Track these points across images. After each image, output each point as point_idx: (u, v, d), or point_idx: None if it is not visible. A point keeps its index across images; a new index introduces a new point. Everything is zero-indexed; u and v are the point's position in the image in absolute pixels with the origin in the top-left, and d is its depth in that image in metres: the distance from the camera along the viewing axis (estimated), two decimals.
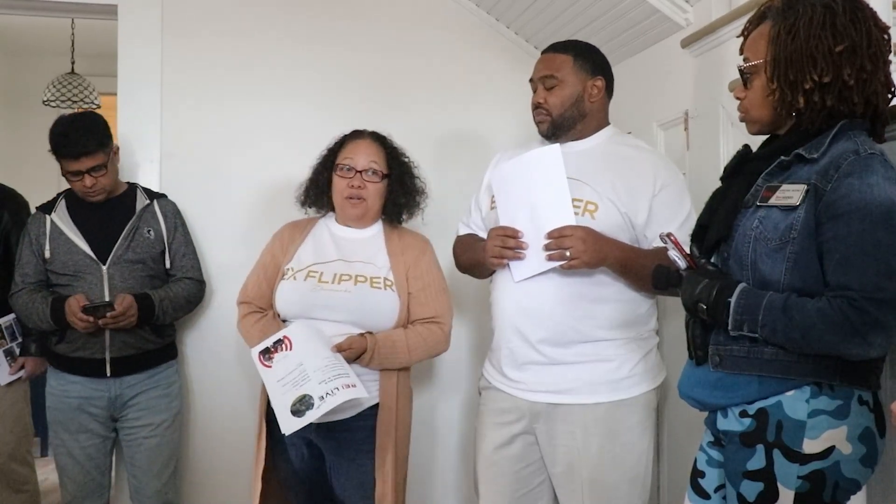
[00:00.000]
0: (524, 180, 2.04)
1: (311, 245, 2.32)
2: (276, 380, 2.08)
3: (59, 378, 2.58)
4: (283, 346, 2.11)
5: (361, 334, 2.16)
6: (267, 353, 2.12)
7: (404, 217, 2.38)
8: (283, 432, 2.05)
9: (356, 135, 2.36)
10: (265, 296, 2.31)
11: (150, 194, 2.70)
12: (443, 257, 2.40)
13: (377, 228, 2.36)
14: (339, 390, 2.01)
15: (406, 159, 2.38)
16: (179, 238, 2.67)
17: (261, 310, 2.31)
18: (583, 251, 1.93)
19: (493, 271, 2.18)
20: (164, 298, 2.55)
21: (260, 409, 2.28)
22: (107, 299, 2.47)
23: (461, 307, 3.09)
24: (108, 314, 2.42)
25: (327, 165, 2.35)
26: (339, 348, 2.11)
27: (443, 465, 3.13)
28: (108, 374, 2.52)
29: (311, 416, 2.00)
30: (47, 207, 2.64)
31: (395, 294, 2.23)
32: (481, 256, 2.13)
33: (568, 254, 1.93)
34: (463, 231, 2.36)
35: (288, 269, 2.28)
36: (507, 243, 2.04)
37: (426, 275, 2.29)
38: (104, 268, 2.52)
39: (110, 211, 2.60)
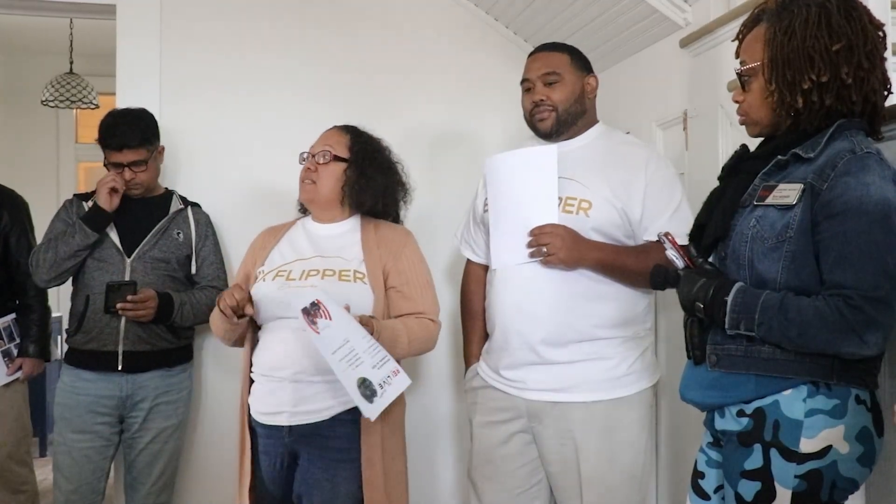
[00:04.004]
0: (517, 174, 2.07)
1: (286, 245, 2.25)
2: (331, 352, 1.89)
3: (72, 374, 2.55)
4: (321, 312, 1.90)
5: (370, 316, 2.00)
6: (309, 314, 1.89)
7: (378, 208, 2.24)
8: (367, 417, 1.88)
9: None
10: None
11: (185, 201, 2.73)
12: (432, 255, 2.37)
13: (354, 223, 2.25)
14: (392, 379, 1.88)
15: (375, 148, 2.26)
16: (209, 247, 2.69)
17: None
18: (559, 248, 1.96)
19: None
20: (186, 302, 2.55)
21: (241, 417, 2.15)
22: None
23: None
24: (129, 297, 2.42)
25: None
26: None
27: (442, 465, 3.13)
28: (120, 369, 2.50)
29: (380, 406, 1.86)
30: (86, 196, 2.65)
31: (368, 287, 2.10)
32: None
33: (545, 250, 1.97)
34: (465, 251, 2.38)
35: (259, 272, 2.20)
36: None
37: (409, 270, 2.17)
38: (128, 260, 2.54)
39: (145, 210, 2.63)
